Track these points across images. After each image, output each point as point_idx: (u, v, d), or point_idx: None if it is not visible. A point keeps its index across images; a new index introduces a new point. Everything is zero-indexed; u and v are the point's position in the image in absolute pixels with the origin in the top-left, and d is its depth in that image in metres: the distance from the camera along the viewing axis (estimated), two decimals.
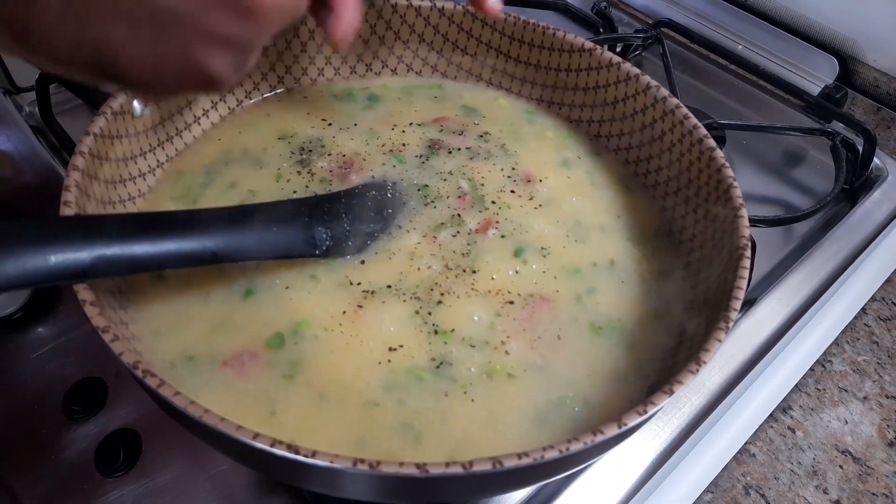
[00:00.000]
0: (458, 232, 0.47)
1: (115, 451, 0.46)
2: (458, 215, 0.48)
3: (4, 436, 0.48)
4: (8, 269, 0.32)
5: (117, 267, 0.36)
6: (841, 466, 0.54)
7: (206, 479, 0.45)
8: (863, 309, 0.65)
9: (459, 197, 0.49)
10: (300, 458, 0.29)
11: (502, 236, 0.47)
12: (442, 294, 0.44)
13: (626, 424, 0.31)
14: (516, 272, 0.45)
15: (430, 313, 0.42)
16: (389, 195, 0.49)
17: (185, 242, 0.38)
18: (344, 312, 0.42)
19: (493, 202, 0.50)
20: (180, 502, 0.44)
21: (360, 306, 0.42)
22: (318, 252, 0.43)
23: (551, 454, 0.30)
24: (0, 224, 0.33)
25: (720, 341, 0.35)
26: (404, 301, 0.43)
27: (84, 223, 0.36)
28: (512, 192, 0.50)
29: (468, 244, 0.46)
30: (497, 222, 0.48)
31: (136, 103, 0.46)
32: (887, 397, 0.58)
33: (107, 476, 0.45)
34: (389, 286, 0.43)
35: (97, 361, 0.50)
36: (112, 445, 0.46)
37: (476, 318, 0.43)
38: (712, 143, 0.46)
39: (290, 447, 0.29)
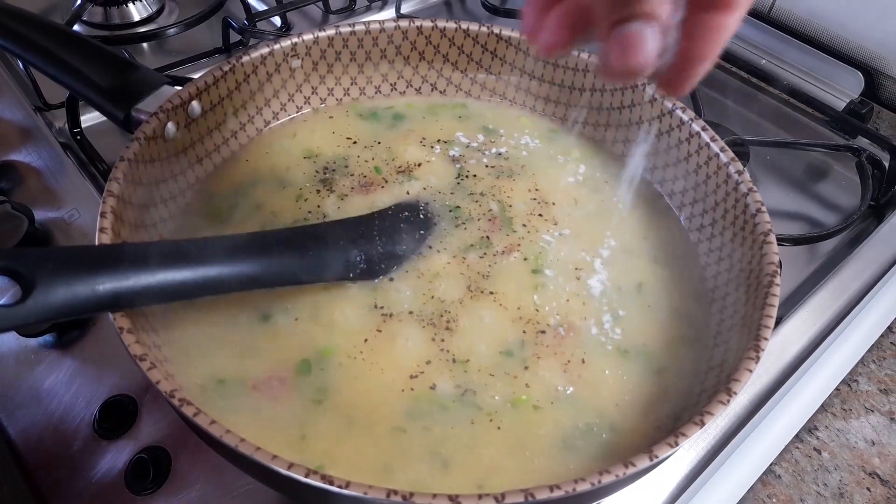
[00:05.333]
0: (484, 254, 0.47)
1: (146, 469, 0.46)
2: (487, 237, 0.48)
3: (38, 453, 0.49)
4: (59, 297, 0.31)
5: (162, 295, 0.36)
6: (868, 489, 0.53)
7: (234, 497, 0.45)
8: (889, 327, 0.64)
9: (490, 220, 0.50)
10: (334, 488, 0.29)
11: (525, 259, 0.47)
12: (455, 321, 0.43)
13: (657, 457, 0.32)
14: (539, 297, 0.45)
15: (444, 340, 0.43)
16: (422, 216, 0.49)
17: (226, 268, 0.38)
18: (366, 340, 0.42)
19: (524, 225, 0.50)
20: None
21: (380, 330, 0.43)
22: (351, 275, 0.44)
23: (583, 487, 0.30)
24: (46, 251, 0.33)
25: (751, 371, 0.35)
26: (423, 327, 0.43)
27: (128, 251, 0.37)
28: (539, 215, 0.50)
29: (490, 266, 0.47)
30: (519, 245, 0.48)
31: (169, 125, 0.46)
32: None
33: (137, 494, 0.46)
34: (411, 312, 0.44)
35: (127, 379, 0.51)
36: (142, 463, 0.47)
37: (498, 344, 0.43)
38: (739, 166, 0.46)
39: (324, 478, 0.30)
